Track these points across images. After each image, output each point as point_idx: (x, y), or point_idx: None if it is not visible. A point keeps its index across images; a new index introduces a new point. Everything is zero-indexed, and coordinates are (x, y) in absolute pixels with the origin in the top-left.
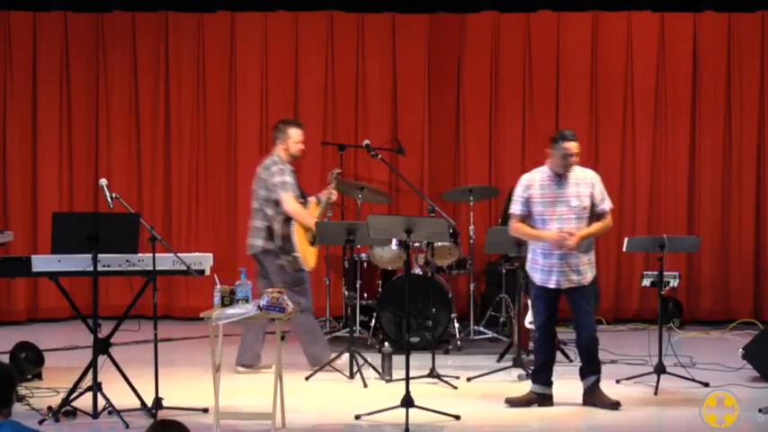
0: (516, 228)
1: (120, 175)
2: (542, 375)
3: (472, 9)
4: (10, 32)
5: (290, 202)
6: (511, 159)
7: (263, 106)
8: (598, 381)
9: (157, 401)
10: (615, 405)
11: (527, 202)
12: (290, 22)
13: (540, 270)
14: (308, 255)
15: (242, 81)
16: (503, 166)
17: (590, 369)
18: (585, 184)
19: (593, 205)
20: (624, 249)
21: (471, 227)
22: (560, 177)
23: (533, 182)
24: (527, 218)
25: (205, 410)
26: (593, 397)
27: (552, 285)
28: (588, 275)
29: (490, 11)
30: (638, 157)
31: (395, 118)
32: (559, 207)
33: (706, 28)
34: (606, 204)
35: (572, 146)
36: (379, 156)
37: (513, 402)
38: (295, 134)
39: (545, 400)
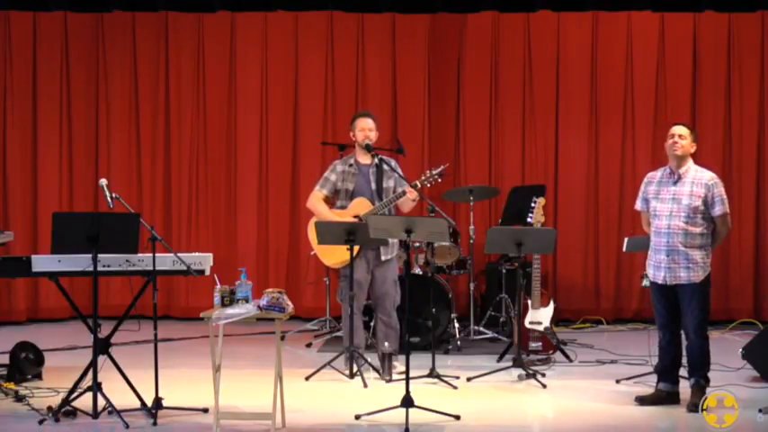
0: (643, 223)
1: (120, 175)
2: (669, 374)
3: (472, 9)
4: (10, 32)
5: (309, 198)
6: (511, 159)
7: (263, 106)
8: (697, 384)
9: (157, 401)
10: (692, 406)
11: (645, 199)
12: (290, 22)
13: (652, 266)
14: (324, 252)
15: (242, 81)
16: (503, 167)
17: (690, 371)
18: (701, 184)
19: (707, 208)
20: (624, 249)
21: (471, 227)
22: (677, 175)
23: (654, 178)
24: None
25: (205, 410)
26: (691, 397)
27: (660, 281)
28: (699, 273)
29: (490, 11)
30: (637, 157)
31: (395, 118)
32: (670, 204)
33: (706, 28)
34: (716, 210)
35: (676, 128)
36: (379, 156)
37: (643, 400)
38: (356, 123)
39: (672, 397)
